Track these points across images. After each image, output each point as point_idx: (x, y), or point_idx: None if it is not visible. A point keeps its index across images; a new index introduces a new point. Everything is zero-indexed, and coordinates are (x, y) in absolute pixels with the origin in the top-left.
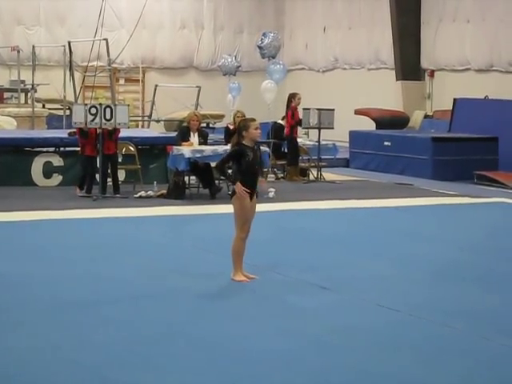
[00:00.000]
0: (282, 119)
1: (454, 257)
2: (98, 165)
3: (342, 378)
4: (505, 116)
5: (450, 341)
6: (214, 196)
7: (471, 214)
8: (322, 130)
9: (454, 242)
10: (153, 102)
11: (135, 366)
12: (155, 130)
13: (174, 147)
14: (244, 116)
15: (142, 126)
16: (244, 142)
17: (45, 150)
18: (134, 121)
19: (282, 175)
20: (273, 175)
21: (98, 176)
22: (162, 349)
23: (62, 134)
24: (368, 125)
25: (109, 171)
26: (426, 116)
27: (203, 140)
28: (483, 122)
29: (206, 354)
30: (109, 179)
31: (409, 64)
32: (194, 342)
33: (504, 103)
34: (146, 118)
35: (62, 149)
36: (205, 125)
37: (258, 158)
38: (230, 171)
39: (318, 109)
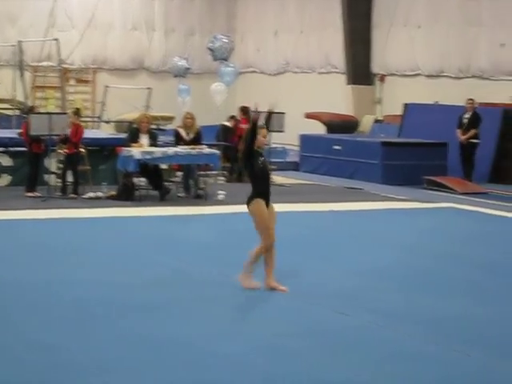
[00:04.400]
0: (228, 120)
1: (402, 261)
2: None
3: (291, 382)
4: (454, 121)
5: (399, 345)
6: (163, 198)
7: (420, 218)
8: (272, 134)
9: (403, 247)
10: (103, 103)
11: (85, 369)
12: (105, 131)
13: (124, 148)
14: (193, 118)
15: (92, 127)
16: (254, 147)
17: None
18: (84, 122)
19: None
20: (223, 178)
21: (47, 176)
22: (110, 351)
23: (12, 134)
24: (318, 129)
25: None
26: (376, 120)
27: (153, 142)
28: (433, 128)
29: (154, 356)
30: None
31: (359, 68)
32: (143, 344)
33: (454, 109)
34: (96, 119)
35: (11, 149)
36: (155, 126)
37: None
38: None
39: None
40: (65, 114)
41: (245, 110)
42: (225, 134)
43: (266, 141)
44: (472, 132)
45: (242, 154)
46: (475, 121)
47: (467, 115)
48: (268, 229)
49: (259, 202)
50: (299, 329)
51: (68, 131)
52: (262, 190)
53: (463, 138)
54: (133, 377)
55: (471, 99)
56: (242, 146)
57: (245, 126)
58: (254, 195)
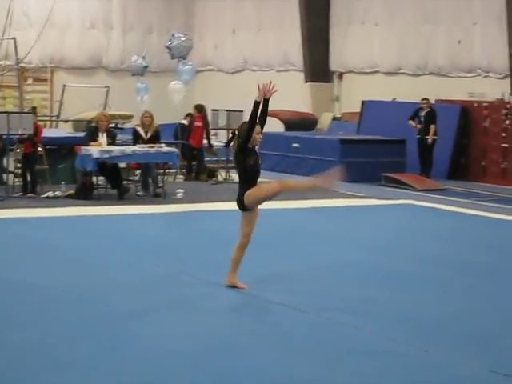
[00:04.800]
0: (185, 118)
1: (361, 258)
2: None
3: (250, 381)
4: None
5: (358, 342)
6: (121, 196)
7: (378, 215)
8: (230, 132)
9: (362, 244)
10: (61, 102)
11: (42, 367)
12: (63, 130)
13: (82, 147)
14: (151, 116)
15: (50, 126)
16: (249, 145)
17: None
18: (42, 121)
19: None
20: (181, 176)
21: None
22: (68, 350)
23: None
24: (277, 126)
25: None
26: (334, 118)
27: (111, 140)
28: (391, 125)
29: (112, 354)
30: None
31: (318, 66)
32: (102, 343)
33: (412, 106)
34: (54, 118)
35: None
36: (113, 125)
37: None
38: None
39: (226, 110)
40: (29, 113)
41: (199, 108)
42: (182, 133)
43: (261, 138)
44: (433, 128)
45: (236, 151)
46: (432, 117)
47: (423, 113)
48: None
49: (249, 192)
50: (258, 326)
51: (32, 131)
52: (252, 185)
53: (430, 138)
54: (92, 375)
55: (426, 99)
56: (236, 142)
57: (199, 124)
58: (243, 193)
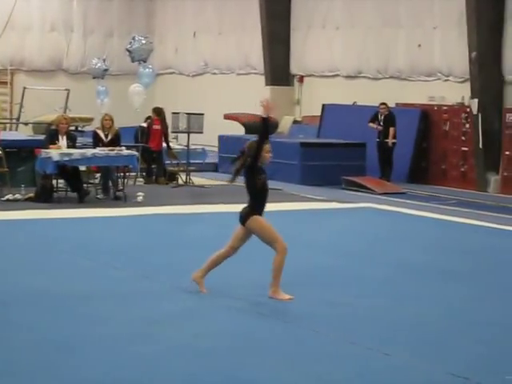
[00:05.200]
0: (145, 121)
1: (320, 261)
2: None
3: (207, 383)
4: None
5: (317, 345)
6: (81, 200)
7: (339, 219)
8: (191, 135)
9: (321, 247)
10: (21, 105)
11: None
12: (23, 133)
13: (42, 150)
14: (112, 119)
15: (10, 129)
16: (258, 163)
17: None
18: (2, 123)
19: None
20: (141, 179)
21: None
22: (23, 355)
23: None
24: (237, 130)
25: None
26: (294, 121)
27: (71, 143)
28: (351, 128)
29: (66, 357)
30: None
31: (278, 69)
32: (57, 346)
33: (372, 109)
34: (14, 121)
35: None
36: (73, 128)
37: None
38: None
39: (187, 113)
40: None
41: (158, 111)
42: (143, 136)
43: (270, 156)
44: (392, 131)
45: (245, 168)
46: (391, 120)
47: (382, 116)
48: (276, 239)
49: (256, 219)
50: (215, 329)
51: None
52: (258, 207)
53: (390, 141)
54: (48, 378)
55: (384, 103)
56: (244, 160)
57: (157, 127)
58: (250, 211)
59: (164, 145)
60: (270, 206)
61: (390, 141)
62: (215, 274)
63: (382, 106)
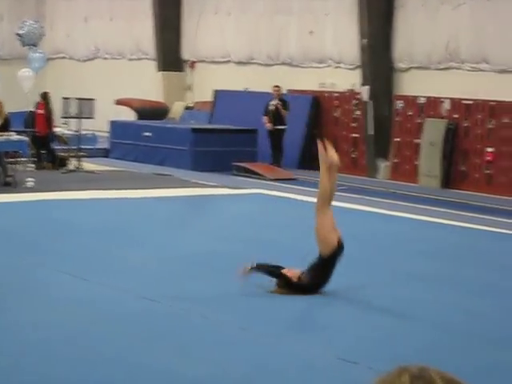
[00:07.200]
0: (36, 107)
1: (211, 247)
2: None
3: (100, 369)
4: (264, 108)
5: (209, 332)
6: None
7: (229, 205)
8: (81, 120)
9: (212, 232)
10: None
11: None
12: None
13: None
14: (1, 104)
15: None
16: None
17: None
18: None
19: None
20: (32, 165)
21: None
22: None
23: None
24: (129, 115)
25: None
26: (186, 107)
27: None
28: (243, 114)
29: None
30: None
31: (170, 55)
32: None
33: (263, 95)
34: None
35: None
36: None
37: None
38: None
39: (77, 98)
40: None
41: (43, 96)
42: (32, 121)
43: None
44: (284, 112)
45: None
46: (283, 106)
47: (274, 102)
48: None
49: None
50: (107, 316)
51: None
52: None
53: (268, 125)
54: None
55: (277, 86)
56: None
57: (41, 112)
58: None
59: (56, 130)
60: (160, 192)
61: (268, 124)
62: (93, 261)
63: (276, 88)
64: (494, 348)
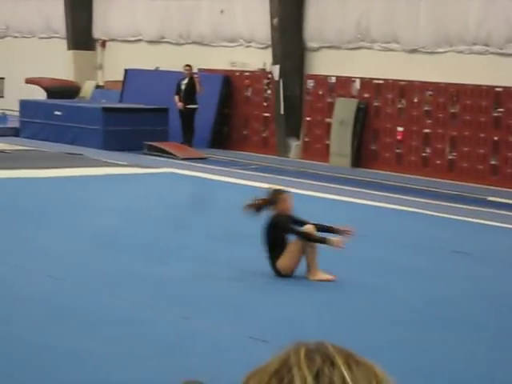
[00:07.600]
0: None
1: (120, 226)
2: None
3: (3, 349)
4: (175, 87)
5: (116, 311)
6: None
7: (139, 184)
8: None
9: (122, 212)
10: None
11: None
12: None
13: None
14: None
15: None
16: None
17: None
18: None
19: None
20: None
21: None
22: None
23: None
24: (39, 94)
25: None
26: (97, 86)
27: None
28: (154, 93)
29: None
30: None
31: (80, 34)
32: None
33: (174, 74)
34: None
35: None
36: None
37: None
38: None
39: None
40: None
41: None
42: None
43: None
44: (200, 89)
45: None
46: (194, 86)
47: (185, 81)
48: None
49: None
50: (15, 295)
51: None
52: None
53: (179, 104)
54: None
55: (188, 65)
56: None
57: None
58: None
59: None
60: (71, 172)
61: (180, 103)
62: (12, 242)
63: (187, 68)
64: (396, 326)
